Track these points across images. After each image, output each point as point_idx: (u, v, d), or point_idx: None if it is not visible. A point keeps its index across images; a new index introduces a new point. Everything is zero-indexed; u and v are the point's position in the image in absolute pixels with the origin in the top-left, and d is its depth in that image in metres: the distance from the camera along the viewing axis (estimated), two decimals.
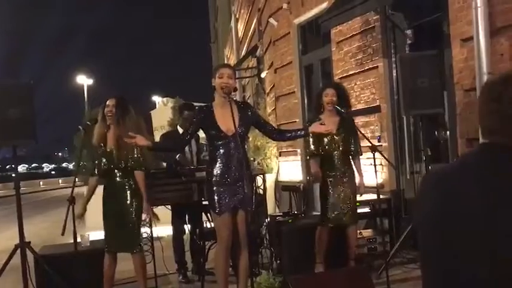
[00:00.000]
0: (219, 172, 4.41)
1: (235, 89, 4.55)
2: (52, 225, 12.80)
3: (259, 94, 13.36)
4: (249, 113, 4.56)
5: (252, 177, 4.88)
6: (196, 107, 5.83)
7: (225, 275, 4.52)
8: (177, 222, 6.08)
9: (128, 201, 4.82)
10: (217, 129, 4.41)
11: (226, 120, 4.37)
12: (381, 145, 7.05)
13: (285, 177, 10.11)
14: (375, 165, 5.08)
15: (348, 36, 7.89)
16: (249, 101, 15.90)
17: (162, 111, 12.60)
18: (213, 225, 5.62)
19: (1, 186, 39.75)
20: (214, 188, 4.41)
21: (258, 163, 10.28)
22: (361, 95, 7.69)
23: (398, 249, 5.69)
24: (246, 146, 4.86)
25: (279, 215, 6.08)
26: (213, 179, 4.42)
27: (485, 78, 5.13)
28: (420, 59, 5.70)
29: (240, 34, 17.24)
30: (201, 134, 4.88)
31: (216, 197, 4.41)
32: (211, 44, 37.03)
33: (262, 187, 5.69)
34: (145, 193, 4.90)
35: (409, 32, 6.86)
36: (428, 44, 6.49)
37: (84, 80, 39.98)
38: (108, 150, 4.84)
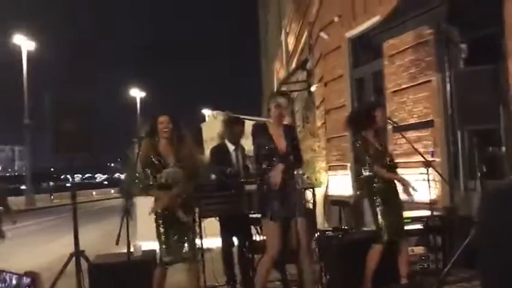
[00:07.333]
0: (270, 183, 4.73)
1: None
2: (105, 234, 13.10)
3: (308, 108, 13.35)
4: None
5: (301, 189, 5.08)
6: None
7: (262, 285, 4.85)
8: (225, 235, 6.11)
9: (184, 215, 4.91)
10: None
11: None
12: (434, 160, 6.92)
13: (334, 191, 10.04)
14: (428, 180, 4.99)
15: (401, 49, 7.81)
16: (298, 115, 15.92)
17: (212, 124, 12.74)
18: (262, 238, 5.67)
19: (56, 195, 40.85)
20: (267, 197, 4.76)
21: (308, 177, 10.25)
22: (414, 109, 7.59)
23: (451, 267, 5.55)
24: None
25: (328, 230, 6.04)
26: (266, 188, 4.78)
27: None
28: (475, 73, 5.58)
29: (290, 48, 17.31)
30: (247, 146, 5.16)
31: (268, 206, 4.74)
32: (260, 58, 37.28)
33: (311, 201, 5.68)
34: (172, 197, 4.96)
35: (463, 46, 6.73)
36: (483, 59, 6.34)
37: (137, 93, 40.94)
38: (170, 165, 4.93)
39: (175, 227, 4.88)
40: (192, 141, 5.16)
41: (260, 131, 4.95)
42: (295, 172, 4.94)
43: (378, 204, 5.20)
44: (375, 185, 5.23)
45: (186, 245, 4.90)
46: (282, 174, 4.66)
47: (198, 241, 5.22)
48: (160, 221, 4.89)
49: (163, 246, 4.88)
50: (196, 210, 5.43)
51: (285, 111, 4.98)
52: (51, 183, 57.10)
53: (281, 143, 4.86)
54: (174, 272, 5.12)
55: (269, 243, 4.77)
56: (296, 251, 4.72)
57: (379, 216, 5.19)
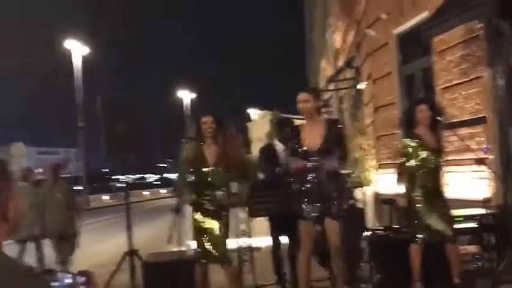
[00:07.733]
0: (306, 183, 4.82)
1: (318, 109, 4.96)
2: (157, 234, 13.37)
3: (356, 106, 13.23)
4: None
5: (343, 188, 5.05)
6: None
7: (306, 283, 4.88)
8: (275, 233, 6.15)
9: (218, 216, 4.98)
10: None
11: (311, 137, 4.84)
12: (487, 158, 6.75)
13: (384, 190, 9.91)
14: (482, 178, 4.88)
15: (451, 45, 7.65)
16: (346, 113, 15.81)
17: (259, 123, 12.79)
18: None
19: (110, 195, 41.83)
20: (301, 197, 4.85)
21: (357, 176, 10.16)
22: (465, 106, 7.42)
23: (506, 266, 5.41)
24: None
25: (379, 229, 5.99)
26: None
27: None
28: None
29: (337, 46, 17.19)
30: None
31: (300, 205, 4.85)
32: (307, 57, 37.08)
33: (361, 200, 5.64)
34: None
35: None
36: None
37: (185, 95, 41.47)
38: (211, 167, 5.00)
39: (207, 229, 4.96)
40: (240, 141, 5.20)
41: (291, 136, 4.97)
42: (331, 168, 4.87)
43: (417, 202, 5.14)
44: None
45: (216, 247, 4.95)
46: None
47: (234, 241, 5.29)
48: (195, 224, 4.99)
49: (198, 248, 5.00)
50: (246, 209, 5.50)
51: (309, 104, 4.87)
52: (116, 184, 58.47)
53: (314, 141, 4.81)
54: (220, 270, 5.20)
55: (302, 241, 4.88)
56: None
57: (418, 215, 5.14)
